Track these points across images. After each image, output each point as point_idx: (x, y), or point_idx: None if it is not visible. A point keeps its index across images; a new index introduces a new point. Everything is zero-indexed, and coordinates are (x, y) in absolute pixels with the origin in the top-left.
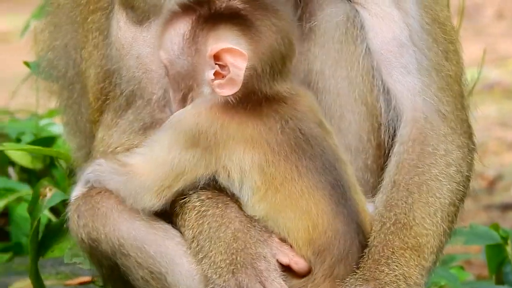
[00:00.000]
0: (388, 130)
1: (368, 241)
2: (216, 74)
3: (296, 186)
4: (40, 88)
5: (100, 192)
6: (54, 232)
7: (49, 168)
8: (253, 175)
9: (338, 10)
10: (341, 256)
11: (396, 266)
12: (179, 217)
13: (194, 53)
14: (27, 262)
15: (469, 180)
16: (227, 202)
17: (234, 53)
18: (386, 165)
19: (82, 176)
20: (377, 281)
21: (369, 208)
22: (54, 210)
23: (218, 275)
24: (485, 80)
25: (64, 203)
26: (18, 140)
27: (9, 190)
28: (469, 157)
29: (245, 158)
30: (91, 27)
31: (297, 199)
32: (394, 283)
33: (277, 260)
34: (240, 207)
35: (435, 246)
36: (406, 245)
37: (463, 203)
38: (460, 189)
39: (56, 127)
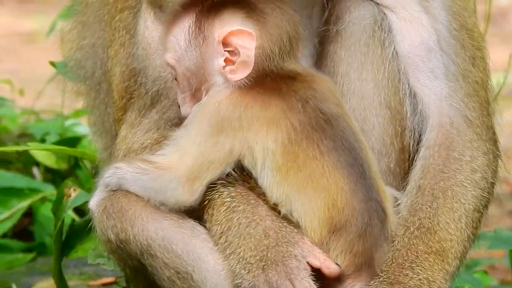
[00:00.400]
0: (414, 135)
1: (388, 218)
2: (226, 60)
3: (317, 165)
4: (66, 88)
5: (128, 194)
6: (78, 233)
7: (73, 169)
8: (276, 155)
9: (366, 13)
10: (360, 233)
11: (420, 270)
12: (207, 212)
13: (202, 43)
14: (51, 262)
15: (493, 187)
16: (258, 200)
17: (242, 34)
18: (411, 169)
19: (102, 181)
20: (401, 284)
21: (389, 190)
22: (78, 210)
23: (247, 271)
24: (510, 85)
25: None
26: (43, 140)
27: (33, 190)
28: (494, 164)
29: (268, 138)
30: (118, 26)
31: (318, 178)
32: (418, 287)
33: (308, 263)
34: (270, 207)
35: (459, 251)
36: (430, 249)
37: (487, 209)
38: (484, 195)
39: (81, 127)
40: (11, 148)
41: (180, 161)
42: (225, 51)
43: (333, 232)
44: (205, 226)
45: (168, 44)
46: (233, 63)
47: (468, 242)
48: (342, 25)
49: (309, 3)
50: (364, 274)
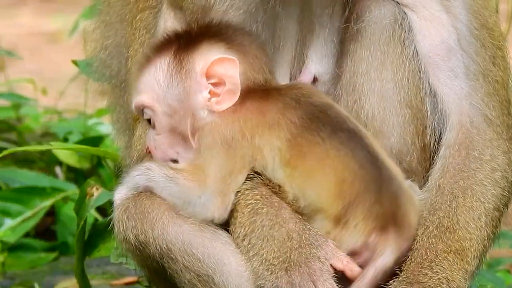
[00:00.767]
0: (434, 133)
1: (400, 179)
2: (210, 93)
3: (321, 149)
4: (88, 87)
5: (152, 197)
6: (101, 232)
7: (96, 168)
8: (282, 151)
9: (386, 12)
10: (376, 198)
11: (440, 269)
12: (231, 215)
13: (184, 78)
14: (73, 262)
15: None
16: (281, 203)
17: (225, 63)
18: (432, 167)
19: (129, 178)
20: (420, 284)
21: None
22: (100, 209)
23: (270, 272)
24: None
25: (111, 202)
26: (65, 140)
27: (56, 190)
28: None
29: (273, 138)
30: (139, 25)
31: (324, 161)
32: (437, 286)
33: (331, 265)
34: (293, 210)
35: (478, 251)
36: (449, 248)
37: (507, 208)
38: (504, 194)
39: (104, 126)
40: (34, 148)
41: (204, 179)
42: (208, 83)
43: (349, 204)
44: (226, 230)
45: (143, 85)
46: (218, 94)
47: (487, 241)
48: (362, 24)
49: (330, 2)
50: (392, 232)
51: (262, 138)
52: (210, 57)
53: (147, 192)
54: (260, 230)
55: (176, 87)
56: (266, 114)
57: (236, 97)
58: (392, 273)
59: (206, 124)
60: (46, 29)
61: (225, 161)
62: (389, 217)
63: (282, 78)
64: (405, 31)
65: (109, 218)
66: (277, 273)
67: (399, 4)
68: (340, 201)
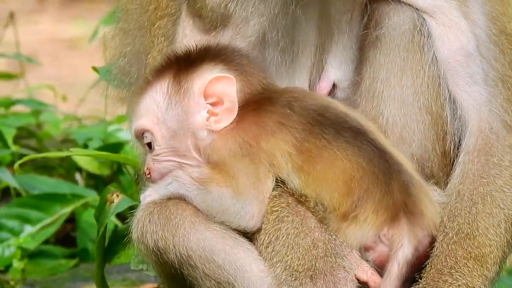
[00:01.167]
0: (454, 139)
1: (408, 169)
2: (209, 112)
3: (329, 152)
4: (108, 94)
5: (177, 203)
6: (121, 238)
7: (116, 174)
8: (293, 156)
9: (405, 18)
10: (385, 190)
11: (459, 276)
12: None
13: (183, 99)
14: (93, 268)
15: None
16: (307, 212)
17: (222, 81)
18: (451, 173)
19: (160, 185)
20: None
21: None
22: (120, 216)
23: (294, 278)
24: None
25: (131, 209)
26: (85, 146)
27: (76, 196)
28: None
29: (278, 141)
30: (158, 33)
31: (333, 162)
32: None
33: (355, 276)
34: (318, 220)
35: (498, 257)
36: (469, 255)
37: None
38: None
39: (124, 133)
40: (54, 154)
41: (236, 185)
42: (207, 103)
43: (358, 200)
44: (248, 237)
45: (143, 109)
46: (216, 114)
47: (507, 248)
48: (381, 31)
49: (348, 8)
50: (404, 222)
51: (269, 143)
52: (208, 77)
53: (176, 199)
54: (285, 237)
55: (175, 109)
56: (264, 125)
57: (234, 115)
58: (417, 263)
59: (209, 145)
60: (66, 35)
61: (248, 168)
62: (400, 206)
63: (301, 85)
64: (424, 37)
65: (129, 224)
66: (302, 279)
67: (418, 10)
68: (349, 198)
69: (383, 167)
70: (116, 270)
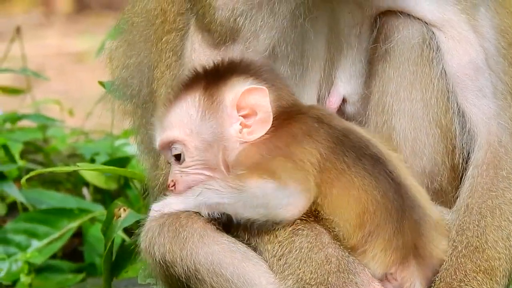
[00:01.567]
0: (463, 153)
1: (424, 208)
2: (241, 124)
3: (347, 178)
4: (115, 108)
5: (189, 215)
6: (128, 253)
7: (123, 189)
8: (316, 171)
9: (415, 32)
10: (396, 229)
11: None
12: (266, 233)
13: (216, 111)
14: (101, 283)
15: None
16: (322, 229)
17: (254, 92)
18: (460, 187)
19: (189, 194)
20: None
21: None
22: (127, 230)
23: None
24: None
25: (138, 223)
26: (92, 161)
27: (83, 211)
28: None
29: (307, 155)
30: (165, 47)
31: (349, 190)
32: None
33: None
34: (333, 237)
35: (507, 270)
36: (478, 268)
37: None
38: None
39: (131, 147)
40: (60, 169)
41: (278, 178)
42: (239, 115)
43: (368, 235)
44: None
45: (173, 120)
46: (249, 126)
47: None
48: (391, 44)
49: (357, 22)
50: (413, 265)
51: (299, 151)
52: (240, 89)
53: (209, 211)
54: (298, 251)
55: (209, 121)
56: (294, 135)
57: (268, 125)
58: None
59: (239, 154)
60: (73, 49)
61: (285, 163)
62: (410, 247)
63: (310, 99)
64: (433, 51)
65: (136, 238)
66: None
67: (427, 24)
68: (360, 231)
69: (397, 203)
70: (124, 285)
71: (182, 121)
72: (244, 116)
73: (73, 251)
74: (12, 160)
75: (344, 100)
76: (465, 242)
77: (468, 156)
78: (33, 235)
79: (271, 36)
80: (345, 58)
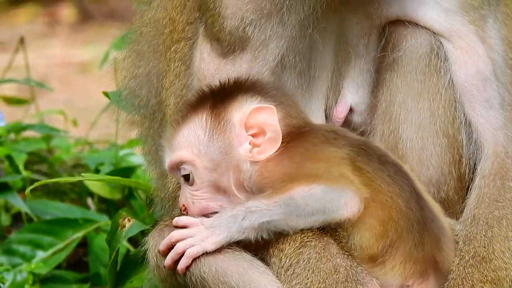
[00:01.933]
0: (469, 163)
1: (443, 222)
2: (251, 144)
3: (376, 181)
4: (119, 118)
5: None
6: (133, 263)
7: (127, 199)
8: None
9: (422, 41)
10: (417, 241)
11: None
12: (273, 245)
13: (224, 131)
14: None
15: None
16: (330, 239)
17: (262, 111)
18: (467, 197)
19: (230, 220)
20: None
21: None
22: (132, 240)
23: None
24: None
25: (143, 233)
26: (97, 171)
27: (87, 221)
28: None
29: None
30: (174, 57)
31: (377, 195)
32: None
33: None
34: (341, 247)
35: None
36: (485, 278)
37: None
38: None
39: (135, 157)
40: (65, 179)
41: (323, 181)
42: (248, 135)
43: (389, 245)
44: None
45: (181, 141)
46: (258, 145)
47: None
48: (399, 54)
49: (365, 31)
50: (432, 279)
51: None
52: (247, 108)
53: (257, 233)
54: (306, 261)
55: (217, 141)
56: (309, 148)
57: (278, 144)
58: None
59: (254, 175)
60: (77, 59)
61: (318, 164)
62: (430, 261)
63: (317, 109)
64: (441, 61)
65: (141, 249)
66: None
67: (435, 34)
68: (382, 240)
69: (418, 214)
70: None
71: (190, 141)
72: (252, 135)
73: (78, 261)
74: (16, 170)
75: (351, 110)
76: (472, 252)
77: (474, 166)
78: (38, 245)
79: (280, 46)
80: (353, 67)
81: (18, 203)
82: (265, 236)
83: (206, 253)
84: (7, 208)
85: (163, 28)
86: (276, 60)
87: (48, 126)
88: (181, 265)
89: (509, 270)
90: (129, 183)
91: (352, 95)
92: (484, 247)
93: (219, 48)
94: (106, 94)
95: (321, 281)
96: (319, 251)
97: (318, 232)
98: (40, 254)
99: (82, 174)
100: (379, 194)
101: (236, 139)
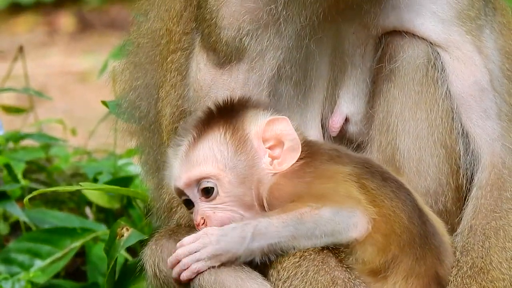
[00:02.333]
0: (466, 174)
1: (443, 236)
2: (270, 156)
3: (379, 197)
4: (118, 127)
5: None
6: (131, 272)
7: (126, 208)
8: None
9: (420, 52)
10: (419, 255)
11: None
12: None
13: (244, 146)
14: None
15: None
16: (329, 253)
17: (277, 122)
18: (464, 208)
19: (236, 241)
20: None
21: None
22: (130, 250)
23: None
24: None
25: (141, 243)
26: (95, 180)
27: (86, 230)
28: None
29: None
30: (170, 67)
31: (381, 210)
32: None
33: None
34: (339, 260)
35: None
36: None
37: None
38: None
39: (134, 167)
40: (63, 188)
41: (337, 202)
42: (266, 148)
43: (392, 260)
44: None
45: (202, 156)
46: (278, 156)
47: None
48: (396, 64)
49: (362, 41)
50: None
51: (331, 168)
52: (262, 121)
53: (265, 253)
54: (304, 274)
55: (240, 156)
56: (318, 166)
57: (298, 153)
58: None
59: (271, 187)
60: (76, 68)
61: (328, 184)
62: (432, 275)
63: (313, 118)
64: (438, 71)
65: (139, 258)
66: None
67: (432, 44)
68: (384, 255)
69: (420, 228)
70: None
71: (215, 156)
72: (270, 148)
73: (76, 271)
74: (15, 179)
75: (347, 120)
76: (470, 263)
77: (472, 177)
78: (36, 254)
79: (277, 56)
80: (349, 77)
81: (17, 211)
82: (271, 258)
83: None
84: (5, 217)
85: (160, 39)
86: (273, 71)
87: (46, 135)
88: (184, 278)
89: (506, 281)
90: (127, 193)
91: (348, 105)
92: (482, 258)
93: (216, 59)
94: (105, 103)
95: None
96: (317, 264)
97: (318, 248)
98: (39, 263)
99: (81, 183)
100: (382, 209)
101: (256, 152)
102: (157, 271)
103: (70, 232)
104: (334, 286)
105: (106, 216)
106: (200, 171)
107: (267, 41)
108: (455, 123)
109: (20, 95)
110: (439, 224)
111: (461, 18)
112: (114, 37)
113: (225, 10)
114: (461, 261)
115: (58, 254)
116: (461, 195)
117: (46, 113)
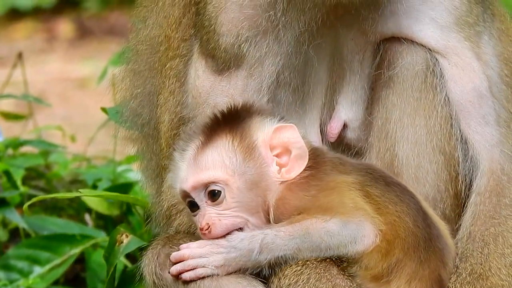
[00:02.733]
0: (465, 180)
1: (446, 238)
2: (277, 164)
3: (383, 203)
4: (117, 134)
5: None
6: (130, 279)
7: (125, 215)
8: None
9: (418, 58)
10: (423, 258)
11: None
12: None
13: (253, 153)
14: None
15: None
16: (332, 262)
17: (284, 130)
18: (463, 214)
19: (242, 253)
20: None
21: None
22: (130, 256)
23: None
24: None
25: (141, 249)
26: (94, 187)
27: (85, 237)
28: None
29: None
30: (169, 74)
31: (385, 215)
32: None
33: None
34: (341, 269)
35: None
36: None
37: None
38: None
39: (133, 173)
40: (63, 195)
41: (339, 215)
42: (273, 156)
43: (395, 264)
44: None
45: (212, 161)
46: (285, 164)
47: None
48: (394, 71)
49: (361, 48)
50: None
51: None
52: (269, 129)
53: (271, 265)
54: (305, 281)
55: (248, 163)
56: (322, 178)
57: (305, 161)
58: None
59: (278, 197)
60: (75, 75)
61: (334, 195)
62: (435, 278)
63: (312, 124)
64: (436, 78)
65: (139, 265)
66: None
67: (430, 50)
68: (387, 260)
69: (425, 231)
70: None
71: (224, 162)
72: (277, 155)
73: (75, 277)
74: (14, 186)
75: (345, 126)
76: (469, 269)
77: (470, 183)
78: (35, 261)
79: (276, 63)
80: (347, 84)
81: (16, 218)
82: (277, 270)
83: None
84: (4, 224)
85: (158, 45)
86: (272, 77)
87: (46, 142)
88: (186, 278)
89: (505, 287)
90: (127, 199)
91: (346, 111)
92: (481, 264)
93: (214, 65)
94: (104, 110)
95: None
96: (319, 271)
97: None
98: (38, 270)
99: (80, 190)
100: (387, 216)
101: (264, 160)
102: (155, 279)
103: (69, 239)
104: None
105: (106, 222)
106: (209, 175)
107: (266, 48)
108: (453, 129)
109: (19, 102)
110: (443, 227)
111: (460, 25)
112: (113, 43)
113: (224, 17)
114: (460, 267)
115: (58, 261)
116: (460, 202)
117: (45, 120)
